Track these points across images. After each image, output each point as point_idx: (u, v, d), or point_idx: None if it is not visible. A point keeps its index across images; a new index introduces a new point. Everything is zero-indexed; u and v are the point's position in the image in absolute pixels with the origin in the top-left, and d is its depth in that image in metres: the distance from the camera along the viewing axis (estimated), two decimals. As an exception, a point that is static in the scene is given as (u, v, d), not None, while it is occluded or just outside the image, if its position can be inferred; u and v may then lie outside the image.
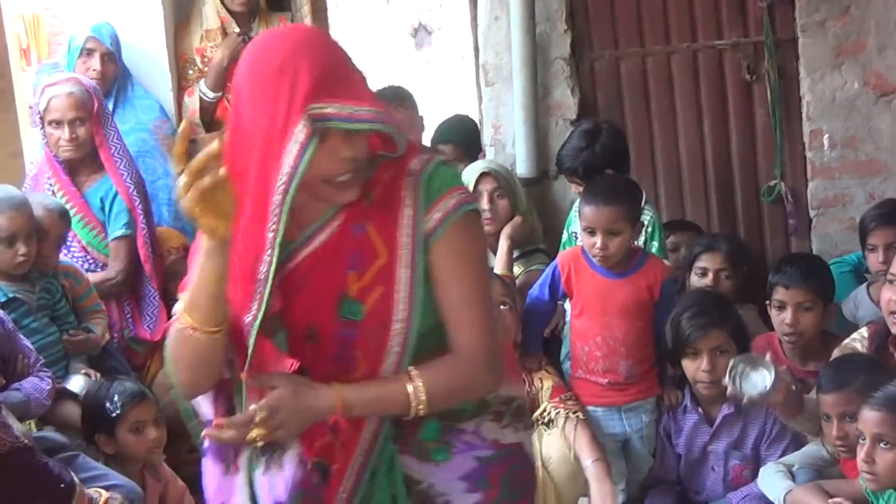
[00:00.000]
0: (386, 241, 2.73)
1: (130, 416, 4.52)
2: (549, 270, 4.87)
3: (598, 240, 4.69)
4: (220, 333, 2.70)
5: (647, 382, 4.84)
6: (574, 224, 5.18)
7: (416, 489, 2.89)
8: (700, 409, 4.75)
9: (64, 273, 5.12)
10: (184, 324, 2.69)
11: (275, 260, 2.63)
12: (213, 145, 2.59)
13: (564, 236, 5.33)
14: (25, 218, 4.81)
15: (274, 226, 2.61)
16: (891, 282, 4.31)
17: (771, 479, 4.39)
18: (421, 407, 2.74)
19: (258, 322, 2.67)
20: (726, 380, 4.18)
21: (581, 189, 5.11)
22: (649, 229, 5.07)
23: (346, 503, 2.83)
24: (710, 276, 5.23)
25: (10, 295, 4.82)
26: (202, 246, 2.65)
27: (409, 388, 2.74)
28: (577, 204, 5.15)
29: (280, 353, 2.75)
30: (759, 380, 4.14)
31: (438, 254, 2.76)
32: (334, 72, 2.64)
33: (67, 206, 5.23)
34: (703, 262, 5.28)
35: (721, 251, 5.28)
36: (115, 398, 4.52)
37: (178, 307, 2.75)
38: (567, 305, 4.99)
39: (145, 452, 4.54)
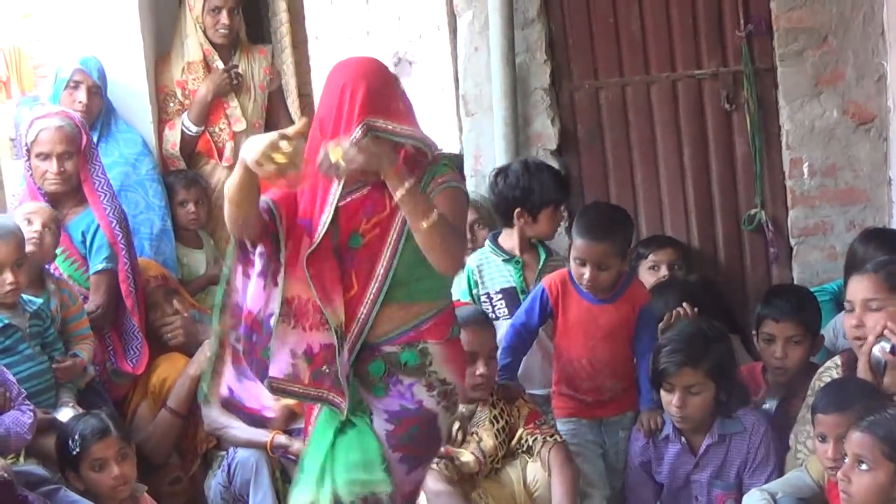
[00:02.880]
0: (392, 202, 3.90)
1: (91, 454, 4.47)
2: (535, 294, 4.89)
3: (587, 271, 4.75)
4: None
5: (628, 398, 4.92)
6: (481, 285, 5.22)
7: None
8: (683, 439, 4.76)
9: (59, 288, 5.13)
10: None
11: (331, 211, 3.93)
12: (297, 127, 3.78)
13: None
14: (13, 247, 4.81)
15: (334, 191, 3.92)
16: (849, 310, 4.37)
17: None
18: (430, 222, 3.81)
19: (320, 238, 3.94)
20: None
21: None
22: None
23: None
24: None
25: (6, 321, 4.81)
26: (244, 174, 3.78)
27: (434, 211, 3.84)
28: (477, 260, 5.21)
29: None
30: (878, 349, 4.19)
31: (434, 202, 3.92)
32: (383, 98, 3.92)
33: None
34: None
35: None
36: (76, 436, 4.49)
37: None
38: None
39: (109, 490, 4.49)
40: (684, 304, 5.07)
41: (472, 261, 5.16)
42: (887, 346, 4.13)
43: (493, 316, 5.07)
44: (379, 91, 3.92)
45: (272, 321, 3.99)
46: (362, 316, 3.99)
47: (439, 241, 3.86)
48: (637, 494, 4.89)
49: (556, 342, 4.92)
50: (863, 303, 4.33)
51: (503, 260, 5.15)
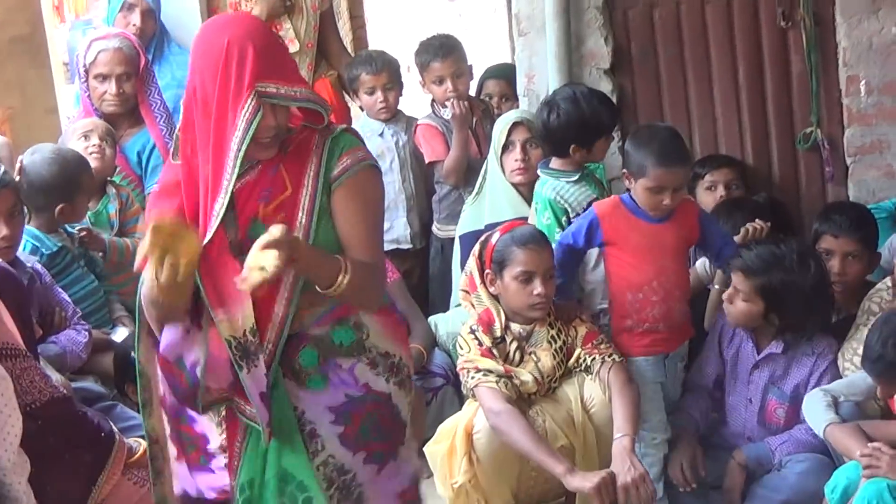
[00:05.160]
0: (293, 179, 3.52)
1: None
2: (584, 220, 4.77)
3: (667, 197, 4.62)
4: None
5: (686, 325, 4.87)
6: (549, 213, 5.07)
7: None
8: (754, 337, 4.79)
9: (119, 193, 5.25)
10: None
11: (227, 197, 3.42)
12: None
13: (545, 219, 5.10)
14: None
15: (228, 174, 3.40)
16: None
17: (815, 406, 4.43)
18: (343, 286, 3.42)
19: (214, 228, 3.42)
20: None
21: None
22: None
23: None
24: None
25: (60, 244, 4.90)
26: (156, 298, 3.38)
27: (343, 265, 3.42)
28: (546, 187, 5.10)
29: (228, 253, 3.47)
30: None
31: (340, 196, 3.52)
32: (274, 57, 3.44)
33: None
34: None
35: None
36: None
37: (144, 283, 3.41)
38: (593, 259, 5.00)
39: None
40: (757, 220, 4.97)
41: (546, 191, 5.06)
42: None
43: None
44: (268, 50, 3.45)
45: (198, 371, 3.49)
46: (278, 316, 3.51)
47: (356, 293, 3.47)
48: (703, 369, 4.95)
49: (615, 274, 4.75)
50: None
51: (574, 181, 5.08)
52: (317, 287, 3.43)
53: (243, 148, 3.38)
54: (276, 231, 3.23)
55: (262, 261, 3.20)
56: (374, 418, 3.61)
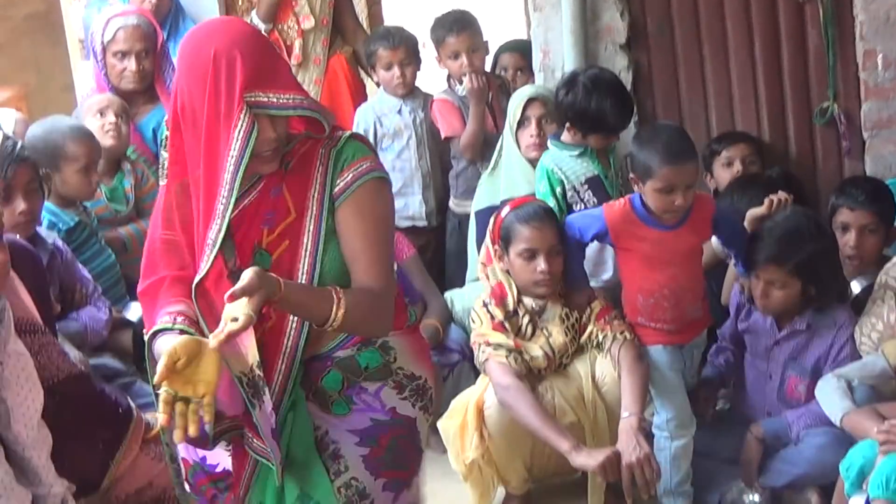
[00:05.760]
0: (296, 202, 3.25)
1: None
2: (594, 220, 4.66)
3: (679, 197, 4.46)
4: None
5: (704, 315, 4.81)
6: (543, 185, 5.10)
7: (314, 433, 3.34)
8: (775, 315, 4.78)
9: (134, 168, 5.26)
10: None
11: (225, 223, 3.14)
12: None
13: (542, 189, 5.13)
14: (98, 148, 4.92)
15: (224, 198, 3.13)
16: None
17: (830, 394, 4.41)
18: (338, 320, 3.14)
19: (211, 259, 3.16)
20: None
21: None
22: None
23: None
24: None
25: (77, 219, 4.91)
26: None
27: (335, 299, 3.14)
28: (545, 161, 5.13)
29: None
30: None
31: (345, 213, 3.25)
32: (264, 64, 3.15)
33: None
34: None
35: None
36: None
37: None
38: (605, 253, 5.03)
39: None
40: (780, 192, 4.88)
41: (547, 162, 5.11)
42: None
43: (584, 207, 4.99)
44: (257, 56, 3.15)
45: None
46: (288, 349, 3.28)
47: (358, 324, 3.24)
48: (726, 334, 4.99)
49: (626, 277, 4.71)
50: None
51: (577, 155, 5.09)
52: (313, 325, 3.22)
53: (241, 170, 3.11)
54: (245, 277, 2.97)
55: (233, 311, 2.94)
56: (396, 444, 3.41)
